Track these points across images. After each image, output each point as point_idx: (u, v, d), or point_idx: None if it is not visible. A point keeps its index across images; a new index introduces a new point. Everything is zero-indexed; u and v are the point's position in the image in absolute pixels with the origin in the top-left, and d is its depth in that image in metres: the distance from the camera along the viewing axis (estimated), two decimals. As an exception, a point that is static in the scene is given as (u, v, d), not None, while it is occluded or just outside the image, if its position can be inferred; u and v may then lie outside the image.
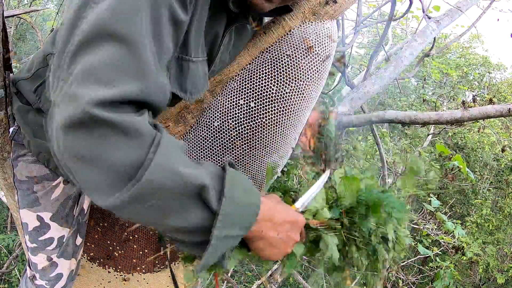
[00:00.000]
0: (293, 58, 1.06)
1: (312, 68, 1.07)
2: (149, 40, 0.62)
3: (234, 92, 1.08)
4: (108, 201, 0.58)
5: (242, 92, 1.07)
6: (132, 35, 0.59)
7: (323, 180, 0.92)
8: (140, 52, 0.60)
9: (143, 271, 1.33)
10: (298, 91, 1.07)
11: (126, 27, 0.59)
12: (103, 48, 0.58)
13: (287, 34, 1.07)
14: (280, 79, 1.06)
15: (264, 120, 1.07)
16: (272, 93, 1.06)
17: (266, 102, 1.06)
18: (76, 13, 0.61)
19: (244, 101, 1.07)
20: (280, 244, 0.74)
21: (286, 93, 1.06)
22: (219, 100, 1.09)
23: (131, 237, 1.27)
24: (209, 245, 0.64)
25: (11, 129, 1.04)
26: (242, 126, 1.08)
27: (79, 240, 1.13)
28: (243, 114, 1.07)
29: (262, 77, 1.06)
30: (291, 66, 1.06)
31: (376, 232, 0.90)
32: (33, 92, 0.99)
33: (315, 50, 1.07)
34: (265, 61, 1.07)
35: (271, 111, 1.07)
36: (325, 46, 1.08)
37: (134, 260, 1.31)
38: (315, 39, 1.07)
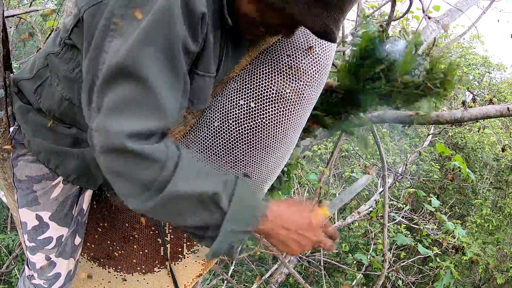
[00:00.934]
0: (293, 58, 1.06)
1: (312, 68, 1.07)
2: (165, 75, 0.72)
3: (234, 93, 1.08)
4: (139, 206, 0.74)
5: (242, 92, 1.07)
6: (148, 74, 0.70)
7: (362, 184, 0.95)
8: (156, 89, 0.70)
9: (143, 271, 1.33)
10: (298, 92, 1.07)
11: (142, 67, 0.69)
12: (123, 87, 0.70)
13: (287, 34, 1.06)
14: (280, 79, 1.06)
15: (264, 120, 1.07)
16: (272, 93, 1.06)
17: (266, 102, 1.06)
18: (98, 45, 0.73)
19: (244, 101, 1.07)
20: (293, 242, 0.84)
21: (286, 93, 1.06)
22: (219, 100, 1.09)
23: (131, 237, 1.27)
24: (218, 236, 0.77)
25: (11, 129, 1.04)
26: (242, 127, 1.08)
27: (77, 240, 1.13)
28: (243, 114, 1.07)
29: (262, 77, 1.06)
30: (291, 66, 1.06)
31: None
32: (33, 92, 0.99)
33: (315, 50, 1.07)
34: (265, 61, 1.07)
35: (271, 111, 1.07)
36: (325, 46, 1.08)
37: (134, 260, 1.31)
38: (315, 39, 1.07)
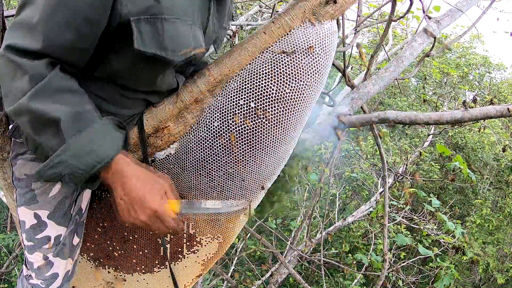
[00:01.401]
0: (293, 58, 1.06)
1: (312, 68, 1.07)
2: (57, 7, 0.77)
3: (234, 92, 1.08)
4: (5, 107, 0.83)
5: (242, 92, 1.07)
6: (42, 3, 0.77)
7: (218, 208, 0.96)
8: (43, 17, 0.77)
9: (143, 271, 1.33)
10: (298, 91, 1.07)
11: None
12: (27, 10, 0.79)
13: (287, 34, 1.06)
14: (280, 79, 1.06)
15: (264, 120, 1.07)
16: (272, 93, 1.06)
17: (266, 102, 1.06)
18: None
19: (244, 101, 1.07)
20: (124, 210, 0.85)
21: (286, 93, 1.06)
22: (219, 100, 1.09)
23: (131, 237, 1.26)
24: (49, 159, 0.80)
25: (10, 126, 1.04)
26: (242, 127, 1.08)
27: (76, 240, 1.13)
28: (243, 114, 1.07)
29: (262, 77, 1.06)
30: (291, 66, 1.06)
31: None
32: None
33: (315, 50, 1.07)
34: (265, 61, 1.06)
35: (271, 111, 1.07)
36: (325, 46, 1.08)
37: (134, 260, 1.31)
38: (315, 39, 1.07)
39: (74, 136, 0.80)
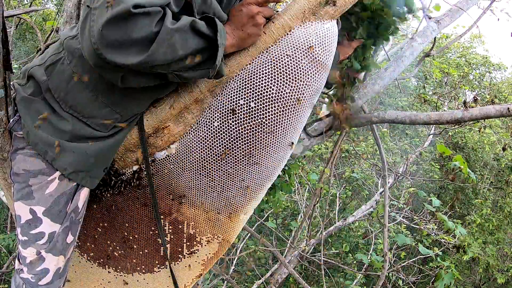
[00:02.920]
0: (293, 58, 1.06)
1: (312, 68, 1.07)
2: None
3: (234, 92, 1.08)
4: (142, 56, 0.86)
5: (242, 92, 1.07)
6: None
7: None
8: None
9: (143, 271, 1.33)
10: (299, 91, 1.07)
11: None
12: None
13: (287, 34, 1.06)
14: (280, 79, 1.06)
15: (264, 120, 1.07)
16: (272, 93, 1.06)
17: (266, 102, 1.06)
18: None
19: (244, 101, 1.07)
20: (251, 30, 1.04)
21: (286, 93, 1.06)
22: (219, 100, 1.09)
23: (131, 237, 1.26)
24: (219, 49, 0.94)
25: (11, 120, 1.05)
26: (242, 127, 1.08)
27: (70, 238, 1.13)
28: (243, 114, 1.07)
29: (262, 77, 1.06)
30: (291, 66, 1.06)
31: None
32: (44, 70, 1.03)
33: (315, 50, 1.07)
34: (265, 61, 1.06)
35: (271, 111, 1.07)
36: (325, 46, 1.08)
37: (134, 260, 1.31)
38: (315, 39, 1.07)
39: (216, 23, 0.95)
